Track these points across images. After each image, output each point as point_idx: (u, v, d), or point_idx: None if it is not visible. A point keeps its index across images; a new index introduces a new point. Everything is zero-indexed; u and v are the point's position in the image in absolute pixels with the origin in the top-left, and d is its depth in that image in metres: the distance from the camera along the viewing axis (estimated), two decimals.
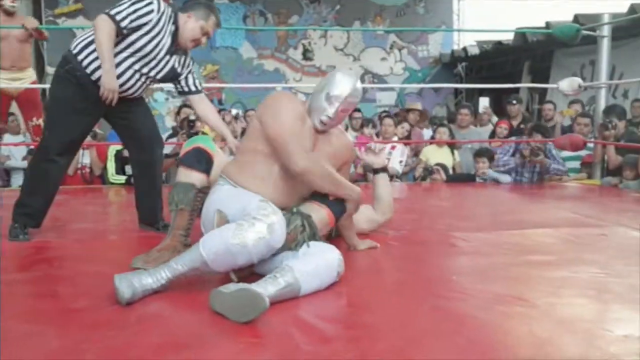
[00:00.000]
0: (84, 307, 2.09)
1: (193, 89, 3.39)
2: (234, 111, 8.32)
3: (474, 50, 11.53)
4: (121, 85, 3.10)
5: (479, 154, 6.22)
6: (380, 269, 2.74)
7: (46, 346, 1.75)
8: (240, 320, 1.89)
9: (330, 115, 2.58)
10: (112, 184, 5.74)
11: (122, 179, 5.65)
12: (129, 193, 4.42)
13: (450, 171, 6.29)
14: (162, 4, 3.10)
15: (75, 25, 11.21)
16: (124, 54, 3.08)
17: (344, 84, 2.61)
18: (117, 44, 3.03)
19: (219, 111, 7.71)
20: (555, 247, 3.12)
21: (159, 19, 3.07)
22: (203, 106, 3.45)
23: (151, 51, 3.11)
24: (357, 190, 2.61)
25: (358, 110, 8.15)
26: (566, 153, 5.98)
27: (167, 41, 3.14)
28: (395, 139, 6.63)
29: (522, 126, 6.83)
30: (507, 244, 3.17)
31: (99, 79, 3.02)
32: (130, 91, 3.18)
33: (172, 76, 3.30)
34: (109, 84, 2.99)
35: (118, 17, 2.97)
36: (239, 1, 11.84)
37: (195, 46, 3.24)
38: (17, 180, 6.50)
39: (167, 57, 3.19)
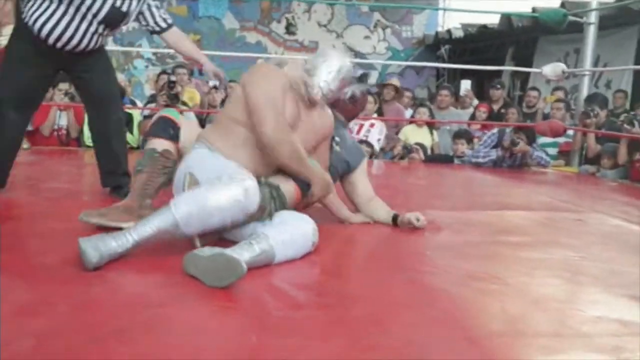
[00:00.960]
0: (53, 263, 2.05)
1: (164, 25, 3.30)
2: (211, 83, 8.22)
3: (458, 33, 11.49)
4: (69, 40, 3.04)
5: (457, 135, 6.23)
6: (355, 241, 2.73)
7: (16, 299, 1.70)
8: (216, 285, 1.85)
9: (333, 88, 2.55)
10: (88, 146, 5.64)
11: None
12: None
13: (429, 152, 6.30)
14: None
15: None
16: (59, 5, 3.01)
17: (343, 60, 2.58)
18: None
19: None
20: (531, 229, 3.13)
21: None
22: (174, 38, 3.38)
23: None
24: (324, 177, 2.58)
25: None
26: (544, 139, 6.01)
27: None
28: (375, 116, 6.60)
29: (502, 111, 6.84)
30: (482, 223, 3.18)
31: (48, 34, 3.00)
32: (82, 45, 3.09)
33: (118, 15, 3.11)
34: None
35: None
36: None
37: None
38: None
39: None
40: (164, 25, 3.31)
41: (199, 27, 11.40)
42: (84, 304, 1.71)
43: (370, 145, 5.89)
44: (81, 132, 5.88)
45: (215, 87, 7.35)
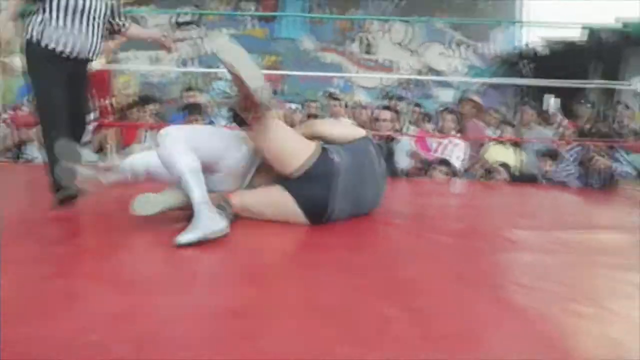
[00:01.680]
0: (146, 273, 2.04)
1: (127, 24, 3.68)
2: (293, 106, 8.31)
3: (540, 49, 11.19)
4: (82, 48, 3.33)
5: (543, 153, 6.01)
6: (438, 256, 2.61)
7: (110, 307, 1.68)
8: None
9: None
10: None
11: None
12: None
13: (514, 171, 6.08)
14: None
15: (140, 11, 11.36)
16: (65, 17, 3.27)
17: None
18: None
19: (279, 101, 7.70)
20: (626, 250, 2.93)
21: None
22: (132, 30, 3.74)
23: None
24: None
25: (418, 105, 7.99)
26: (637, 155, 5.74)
27: None
28: (458, 135, 6.44)
29: (590, 129, 6.57)
30: (572, 243, 3.00)
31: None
32: (93, 48, 3.42)
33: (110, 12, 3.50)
34: None
35: None
36: None
37: None
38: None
39: None
40: (127, 24, 3.69)
41: (277, 49, 11.50)
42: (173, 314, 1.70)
43: (448, 164, 5.76)
44: None
45: (294, 111, 7.36)
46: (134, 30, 3.76)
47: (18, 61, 5.22)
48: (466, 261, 2.54)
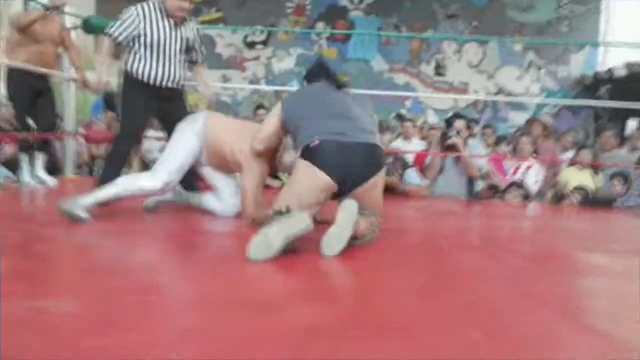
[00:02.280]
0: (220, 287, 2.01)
1: (200, 59, 4.38)
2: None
3: (621, 72, 10.83)
4: (167, 77, 4.06)
5: (614, 175, 5.79)
6: (515, 280, 2.49)
7: (177, 325, 1.66)
8: None
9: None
10: None
11: None
12: None
13: (591, 195, 5.86)
14: (140, 6, 3.98)
15: (214, 27, 11.59)
16: (151, 54, 4.02)
17: None
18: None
19: None
20: None
21: (144, 15, 3.96)
22: (199, 69, 4.46)
23: (158, 36, 3.99)
24: None
25: (489, 126, 7.85)
26: None
27: (165, 22, 4.01)
28: (532, 158, 6.26)
29: None
30: None
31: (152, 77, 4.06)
32: (175, 78, 4.12)
33: (187, 46, 4.17)
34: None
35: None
36: (373, 14, 11.77)
37: (181, 15, 4.01)
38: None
39: (173, 32, 4.04)
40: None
41: (348, 69, 11.51)
42: (250, 334, 1.65)
43: (522, 186, 5.61)
44: None
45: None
46: (200, 70, 4.45)
47: (94, 77, 5.39)
48: (544, 284, 2.41)
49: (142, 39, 3.96)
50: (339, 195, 2.95)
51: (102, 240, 2.89)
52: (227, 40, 11.91)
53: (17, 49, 4.97)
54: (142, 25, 3.95)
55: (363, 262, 2.63)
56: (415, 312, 1.91)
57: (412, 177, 5.70)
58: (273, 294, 2.06)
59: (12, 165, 5.54)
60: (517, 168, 6.04)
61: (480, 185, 5.89)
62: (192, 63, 4.35)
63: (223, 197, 3.78)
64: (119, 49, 4.08)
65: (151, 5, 4.00)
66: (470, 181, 5.65)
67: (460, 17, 11.71)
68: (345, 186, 2.92)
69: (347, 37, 11.60)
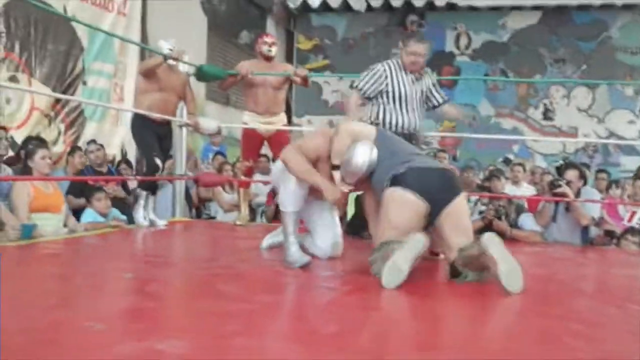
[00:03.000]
0: (334, 331, 2.12)
1: (441, 101, 4.63)
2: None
3: None
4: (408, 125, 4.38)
5: None
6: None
7: None
8: None
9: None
10: None
11: None
12: None
13: None
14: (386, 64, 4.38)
15: (322, 75, 11.92)
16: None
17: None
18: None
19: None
20: None
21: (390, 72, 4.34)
22: (445, 108, 4.72)
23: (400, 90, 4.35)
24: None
25: (603, 171, 7.68)
26: None
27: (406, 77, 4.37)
28: None
29: None
30: None
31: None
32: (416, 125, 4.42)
33: (426, 96, 4.52)
34: None
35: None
36: (481, 59, 11.80)
37: (415, 68, 4.33)
38: (258, 218, 6.99)
39: (413, 86, 4.37)
40: (441, 100, 4.64)
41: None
42: None
43: (639, 232, 5.44)
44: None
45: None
46: (446, 108, 4.73)
47: (209, 122, 5.67)
48: None
49: (389, 93, 4.36)
50: (431, 219, 3.15)
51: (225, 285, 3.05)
52: (333, 86, 12.20)
53: (142, 97, 5.32)
54: (387, 81, 4.35)
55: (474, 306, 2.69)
56: None
57: (527, 223, 5.64)
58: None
59: (119, 206, 5.82)
60: (634, 213, 5.89)
61: (594, 231, 5.77)
62: (434, 107, 4.66)
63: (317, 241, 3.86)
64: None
65: (394, 62, 4.40)
66: (585, 229, 5.54)
67: (569, 62, 11.56)
68: (435, 205, 3.12)
69: (454, 83, 11.65)
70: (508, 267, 2.77)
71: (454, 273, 3.12)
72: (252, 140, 5.75)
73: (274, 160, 6.16)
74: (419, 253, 2.83)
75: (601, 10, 11.35)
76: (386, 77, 4.34)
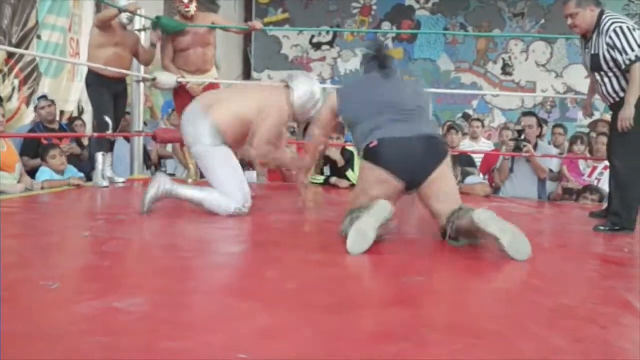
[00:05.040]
0: (294, 287, 2.12)
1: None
2: None
3: None
4: None
5: None
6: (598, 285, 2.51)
7: (258, 323, 1.76)
8: None
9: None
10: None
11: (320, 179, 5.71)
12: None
13: None
14: None
15: (280, 29, 11.78)
16: None
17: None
18: None
19: None
20: None
21: None
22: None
23: None
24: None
25: (560, 125, 7.76)
26: None
27: None
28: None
29: None
30: None
31: None
32: None
33: None
34: None
35: None
36: (440, 14, 11.75)
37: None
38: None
39: None
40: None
41: (414, 69, 11.54)
42: (326, 332, 1.71)
43: (598, 191, 5.53)
44: None
45: None
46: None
47: (167, 77, 5.55)
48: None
49: None
50: (409, 189, 3.04)
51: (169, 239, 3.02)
52: (293, 41, 12.07)
53: (97, 51, 5.21)
54: None
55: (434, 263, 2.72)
56: (497, 318, 1.94)
57: (472, 179, 5.67)
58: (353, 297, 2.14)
59: (74, 163, 5.71)
60: (594, 169, 5.96)
61: (552, 186, 5.86)
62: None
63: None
64: None
65: None
66: (542, 182, 5.62)
67: (527, 16, 11.59)
68: (412, 181, 2.99)
69: (413, 37, 11.61)
70: (510, 238, 2.66)
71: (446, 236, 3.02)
72: (185, 96, 5.51)
73: None
74: (386, 219, 2.76)
75: None
76: None
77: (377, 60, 3.36)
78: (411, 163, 2.95)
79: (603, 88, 3.84)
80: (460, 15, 11.71)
